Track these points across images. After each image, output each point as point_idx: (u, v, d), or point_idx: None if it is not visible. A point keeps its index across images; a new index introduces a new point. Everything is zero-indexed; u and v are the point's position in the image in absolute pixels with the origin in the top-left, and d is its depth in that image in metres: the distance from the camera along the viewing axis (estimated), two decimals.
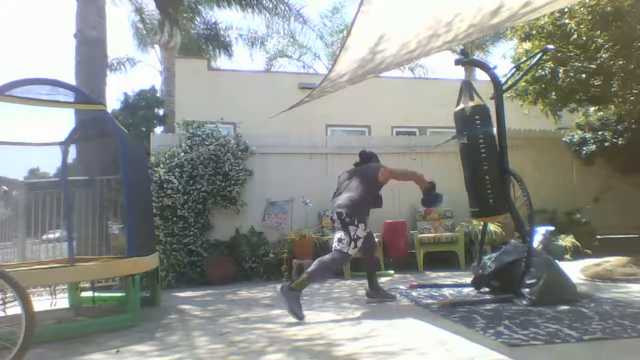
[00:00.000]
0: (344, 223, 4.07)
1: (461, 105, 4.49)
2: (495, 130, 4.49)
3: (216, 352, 2.97)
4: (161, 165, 6.21)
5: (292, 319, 3.68)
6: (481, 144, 4.35)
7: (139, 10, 13.75)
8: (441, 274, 6.00)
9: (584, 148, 7.37)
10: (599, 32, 6.25)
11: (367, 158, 4.63)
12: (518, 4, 3.00)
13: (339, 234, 4.08)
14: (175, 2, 11.33)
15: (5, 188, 5.22)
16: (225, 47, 15.41)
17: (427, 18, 3.18)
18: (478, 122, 4.35)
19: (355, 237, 4.02)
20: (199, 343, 3.20)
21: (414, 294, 4.59)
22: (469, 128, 4.42)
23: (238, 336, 3.31)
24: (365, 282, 4.50)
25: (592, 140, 7.30)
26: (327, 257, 4.04)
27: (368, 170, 4.39)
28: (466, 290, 4.69)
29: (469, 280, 4.81)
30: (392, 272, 6.11)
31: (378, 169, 4.34)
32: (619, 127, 7.08)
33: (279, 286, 3.83)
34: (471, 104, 4.40)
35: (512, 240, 4.57)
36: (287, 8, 12.47)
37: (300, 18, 13.01)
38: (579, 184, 7.76)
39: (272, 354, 2.85)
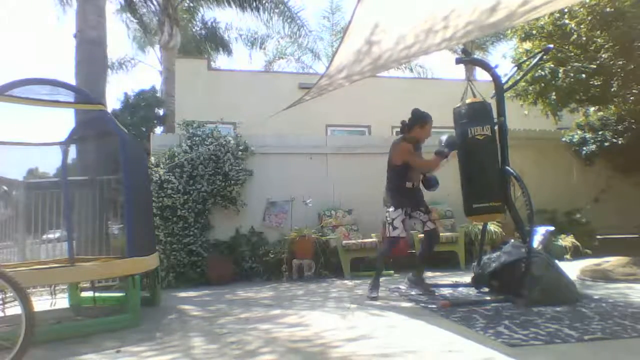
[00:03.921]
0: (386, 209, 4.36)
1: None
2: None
3: (215, 352, 2.97)
4: (161, 165, 6.21)
5: (291, 320, 3.75)
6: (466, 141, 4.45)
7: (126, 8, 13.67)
8: (441, 273, 6.00)
9: (584, 148, 7.37)
10: (599, 32, 6.25)
11: (407, 124, 4.51)
12: (516, 2, 2.99)
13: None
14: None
15: (5, 188, 5.21)
16: (225, 47, 15.42)
17: (422, 11, 3.17)
18: (465, 120, 4.47)
19: (390, 220, 4.26)
20: (197, 343, 3.20)
21: (414, 293, 4.60)
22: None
23: (237, 336, 3.31)
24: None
25: (592, 140, 7.30)
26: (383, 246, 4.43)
27: (390, 149, 4.43)
28: (466, 290, 4.69)
29: (468, 280, 4.81)
30: (392, 272, 6.11)
31: (395, 148, 4.34)
32: (619, 127, 7.09)
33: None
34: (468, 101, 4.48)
35: (512, 240, 4.56)
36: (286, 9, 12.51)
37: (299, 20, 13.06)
38: (579, 184, 7.75)
39: (267, 355, 2.84)
